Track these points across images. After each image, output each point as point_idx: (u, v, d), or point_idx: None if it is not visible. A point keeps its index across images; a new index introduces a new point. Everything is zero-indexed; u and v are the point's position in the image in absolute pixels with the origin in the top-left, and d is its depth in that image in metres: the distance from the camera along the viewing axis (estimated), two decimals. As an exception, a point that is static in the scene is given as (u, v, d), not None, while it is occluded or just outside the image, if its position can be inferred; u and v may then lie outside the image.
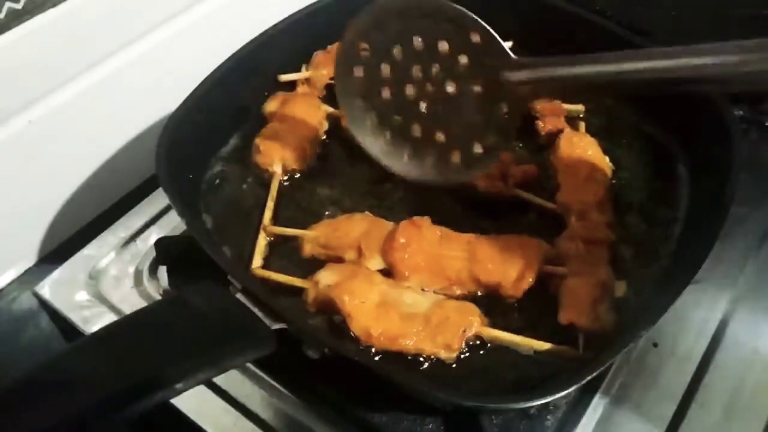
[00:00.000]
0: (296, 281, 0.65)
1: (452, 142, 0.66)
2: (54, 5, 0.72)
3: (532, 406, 0.60)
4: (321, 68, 0.84)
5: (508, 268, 0.63)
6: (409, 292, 0.63)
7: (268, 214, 0.70)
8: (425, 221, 0.65)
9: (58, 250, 0.80)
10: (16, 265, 0.78)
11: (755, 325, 0.68)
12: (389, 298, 0.61)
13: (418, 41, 0.64)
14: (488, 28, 0.61)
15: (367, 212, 0.69)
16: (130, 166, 0.84)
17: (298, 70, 0.85)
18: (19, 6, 0.69)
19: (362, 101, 0.69)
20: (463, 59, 0.63)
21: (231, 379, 0.63)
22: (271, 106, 0.81)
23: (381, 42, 0.65)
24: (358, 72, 0.68)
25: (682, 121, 0.75)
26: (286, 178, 0.75)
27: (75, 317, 0.69)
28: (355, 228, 0.67)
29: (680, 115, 0.75)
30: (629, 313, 0.62)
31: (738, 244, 0.73)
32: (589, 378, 0.53)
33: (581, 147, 0.74)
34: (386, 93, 0.67)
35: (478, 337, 0.61)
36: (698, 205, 0.70)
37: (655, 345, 0.65)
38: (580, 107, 0.81)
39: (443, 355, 0.59)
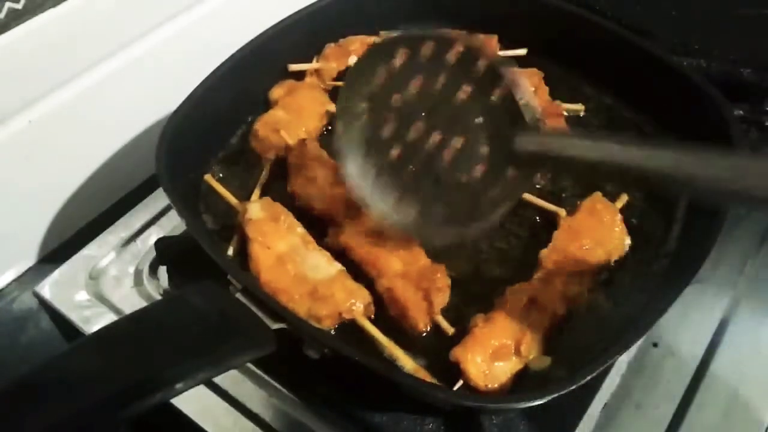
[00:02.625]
0: (232, 199, 0.69)
1: (448, 194, 0.60)
2: (54, 5, 0.72)
3: (532, 406, 0.60)
4: (331, 60, 0.84)
5: None
6: (319, 255, 0.64)
7: (254, 196, 0.72)
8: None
9: (58, 250, 0.80)
10: (16, 265, 0.78)
11: (755, 325, 0.68)
12: (295, 253, 0.64)
13: (438, 81, 0.58)
14: (519, 86, 0.56)
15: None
16: (130, 166, 0.84)
17: (310, 62, 0.85)
18: (19, 6, 0.69)
19: (362, 133, 0.62)
20: (480, 114, 0.57)
21: (231, 379, 0.63)
22: (276, 92, 0.81)
23: (396, 74, 0.59)
24: (363, 103, 0.62)
25: (682, 121, 0.75)
26: (279, 166, 0.75)
27: (75, 317, 0.69)
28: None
29: (680, 115, 0.75)
30: (628, 316, 0.62)
31: (738, 244, 0.73)
32: (589, 378, 0.53)
33: (603, 220, 0.67)
34: (388, 130, 0.61)
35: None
36: (698, 205, 0.70)
37: (655, 345, 0.65)
38: (579, 107, 0.81)
39: (315, 323, 0.60)
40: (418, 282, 0.62)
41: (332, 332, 0.62)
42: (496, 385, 0.57)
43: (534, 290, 0.61)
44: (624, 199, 0.71)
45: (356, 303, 0.61)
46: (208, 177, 0.73)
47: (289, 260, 0.63)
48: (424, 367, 0.59)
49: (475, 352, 0.57)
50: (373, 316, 0.62)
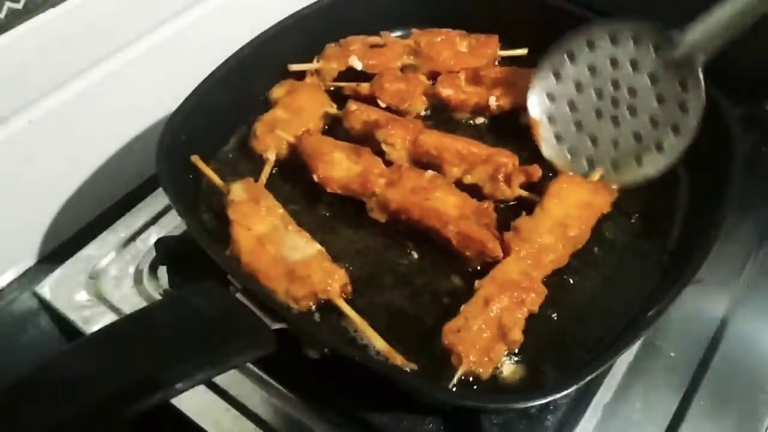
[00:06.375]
0: (217, 180, 0.70)
1: (639, 143, 0.72)
2: (54, 5, 0.72)
3: (532, 406, 0.60)
4: (331, 61, 0.84)
5: None
6: (298, 236, 0.65)
7: None
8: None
9: (58, 250, 0.80)
10: (16, 265, 0.78)
11: (755, 325, 0.68)
12: (274, 234, 0.65)
13: (604, 64, 0.72)
14: (653, 25, 0.71)
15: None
16: (130, 166, 0.84)
17: (310, 62, 0.85)
18: (19, 6, 0.69)
19: (553, 123, 0.75)
20: (643, 62, 0.71)
21: (231, 379, 0.63)
22: (277, 92, 0.82)
23: (571, 71, 0.73)
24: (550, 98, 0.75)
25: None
26: (278, 166, 0.76)
27: (75, 317, 0.69)
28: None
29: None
30: (628, 316, 0.62)
31: (738, 244, 0.73)
32: (589, 378, 0.53)
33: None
34: (575, 115, 0.74)
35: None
36: (698, 205, 0.70)
37: (655, 345, 0.65)
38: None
39: (293, 305, 0.61)
40: (478, 219, 0.67)
41: (318, 320, 0.62)
42: (482, 374, 0.57)
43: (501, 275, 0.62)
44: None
45: (332, 283, 0.61)
46: (194, 158, 0.72)
47: (268, 241, 0.64)
48: (420, 367, 0.58)
49: (471, 342, 0.57)
50: (349, 297, 0.63)
